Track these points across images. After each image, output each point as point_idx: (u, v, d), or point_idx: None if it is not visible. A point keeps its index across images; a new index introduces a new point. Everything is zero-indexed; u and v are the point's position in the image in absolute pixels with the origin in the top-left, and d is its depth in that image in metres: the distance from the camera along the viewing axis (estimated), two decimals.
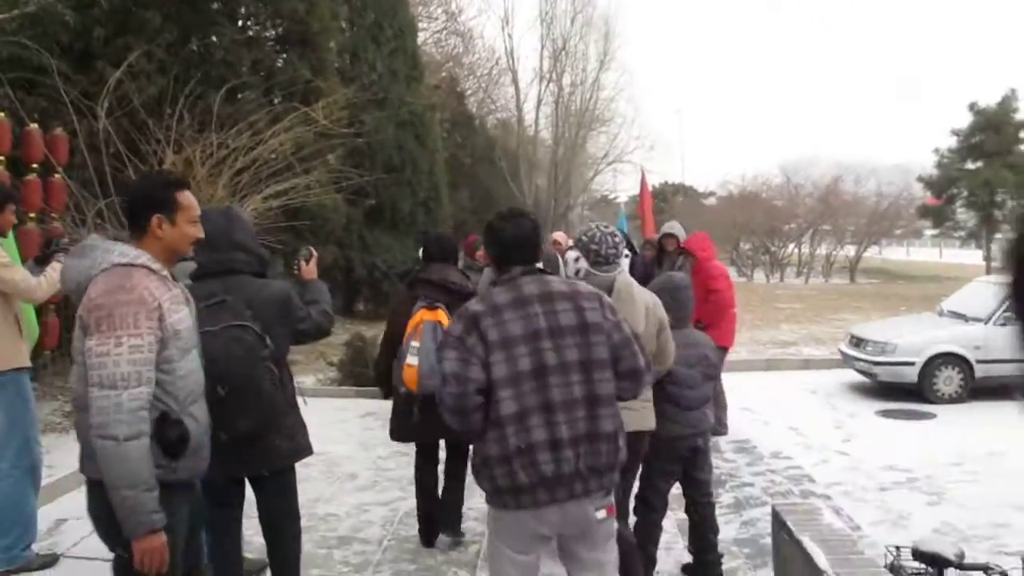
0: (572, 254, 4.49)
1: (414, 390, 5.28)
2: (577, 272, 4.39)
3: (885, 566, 4.10)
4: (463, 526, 5.93)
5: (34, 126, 7.22)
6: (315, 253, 4.72)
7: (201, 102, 9.74)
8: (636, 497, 5.07)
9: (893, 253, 44.68)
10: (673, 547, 5.69)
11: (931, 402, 11.03)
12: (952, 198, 32.51)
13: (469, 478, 4.21)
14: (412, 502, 6.53)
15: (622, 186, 46.83)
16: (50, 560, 5.44)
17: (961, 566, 3.51)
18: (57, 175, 7.38)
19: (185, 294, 3.24)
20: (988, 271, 24.02)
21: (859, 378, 12.21)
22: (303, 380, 11.40)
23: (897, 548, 4.18)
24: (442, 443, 5.85)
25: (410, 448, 7.46)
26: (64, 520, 6.19)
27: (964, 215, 33.53)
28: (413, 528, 6.07)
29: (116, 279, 2.93)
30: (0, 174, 6.40)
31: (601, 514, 3.29)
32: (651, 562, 5.03)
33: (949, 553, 3.62)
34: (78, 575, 5.31)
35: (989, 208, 31.12)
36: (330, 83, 12.86)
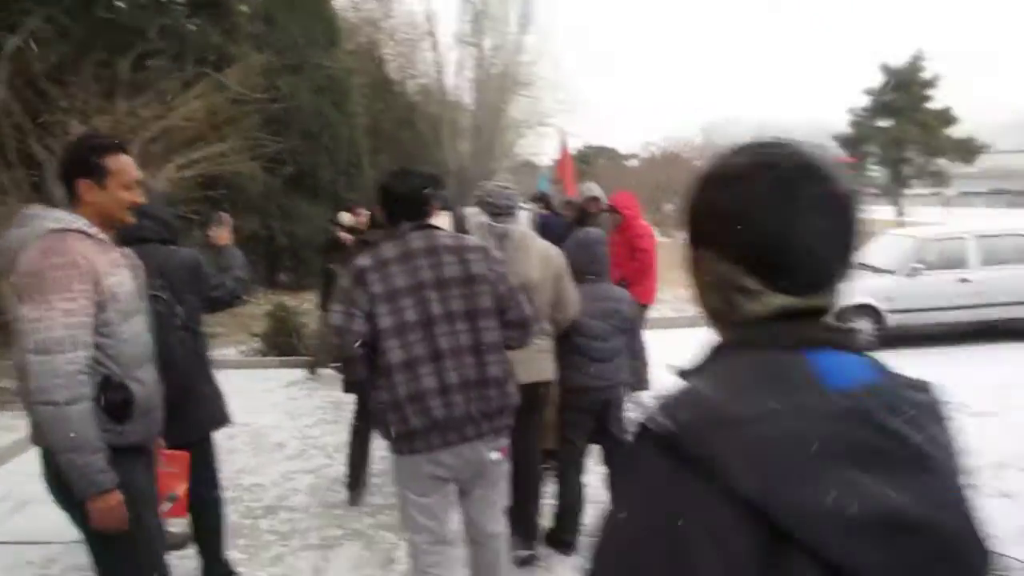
0: (472, 210, 4.60)
1: None
2: (479, 225, 4.52)
3: None
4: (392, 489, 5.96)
5: None
6: (228, 219, 4.63)
7: (108, 70, 9.43)
8: (556, 451, 5.13)
9: None
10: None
11: None
12: (865, 155, 33.35)
13: None
14: (339, 468, 6.55)
15: (545, 149, 46.81)
16: None
17: None
18: None
19: (130, 259, 3.18)
20: (900, 225, 24.69)
21: None
22: (226, 352, 11.25)
23: None
24: None
25: (339, 415, 7.46)
26: None
27: (876, 172, 34.46)
28: (340, 494, 6.08)
29: (49, 244, 2.86)
30: None
31: (495, 455, 3.46)
32: (571, 513, 5.09)
33: None
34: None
35: (898, 164, 32.03)
36: (243, 49, 12.57)
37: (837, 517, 0.99)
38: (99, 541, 2.97)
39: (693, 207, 1.33)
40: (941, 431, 1.19)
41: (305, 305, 12.98)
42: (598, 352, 4.96)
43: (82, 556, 3.15)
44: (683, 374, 1.23)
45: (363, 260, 3.41)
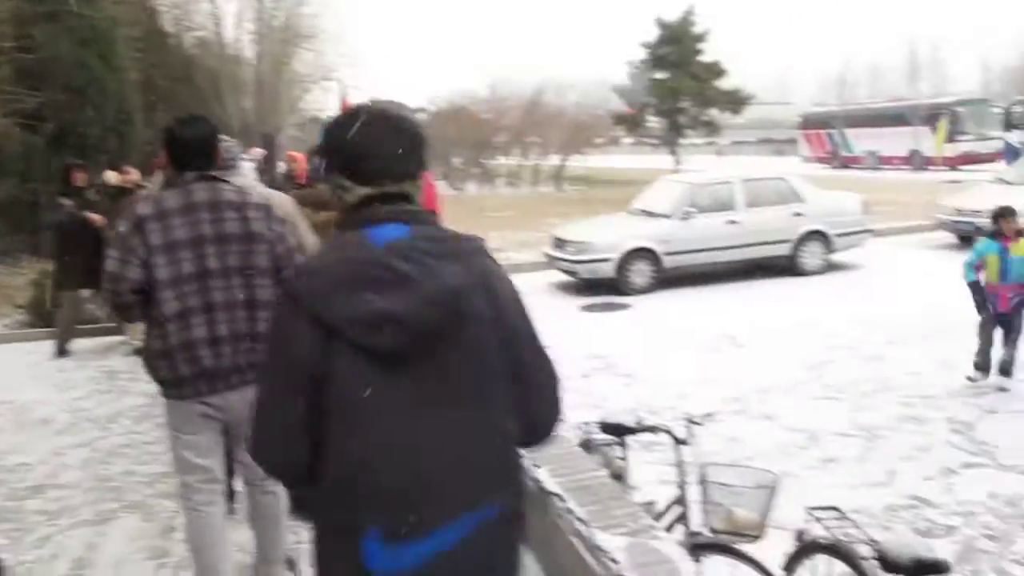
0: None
1: None
2: None
3: (579, 443, 4.40)
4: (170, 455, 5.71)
5: None
6: None
7: None
8: None
9: (596, 161, 47.17)
10: None
11: (627, 294, 11.90)
12: (644, 107, 34.72)
13: None
14: (113, 440, 6.23)
15: (332, 104, 45.80)
16: None
17: (635, 430, 3.83)
18: None
19: None
20: (676, 173, 25.94)
21: (564, 277, 12.90)
22: None
23: (587, 424, 4.48)
24: None
25: (113, 385, 7.09)
26: None
27: (655, 123, 35.99)
28: (115, 466, 5.78)
29: None
30: None
31: None
32: None
33: (629, 422, 3.92)
34: None
35: (674, 115, 33.58)
36: None
37: (357, 318, 1.86)
38: None
39: (323, 145, 2.13)
40: (440, 264, 1.91)
41: None
42: None
43: None
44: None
45: (144, 208, 3.37)
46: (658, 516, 3.83)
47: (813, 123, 43.78)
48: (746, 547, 3.37)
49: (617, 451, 4.27)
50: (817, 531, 3.25)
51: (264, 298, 3.40)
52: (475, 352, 1.95)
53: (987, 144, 32.96)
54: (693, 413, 6.38)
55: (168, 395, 3.49)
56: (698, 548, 3.48)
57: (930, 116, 31.24)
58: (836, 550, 3.16)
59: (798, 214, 12.79)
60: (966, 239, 14.82)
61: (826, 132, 41.83)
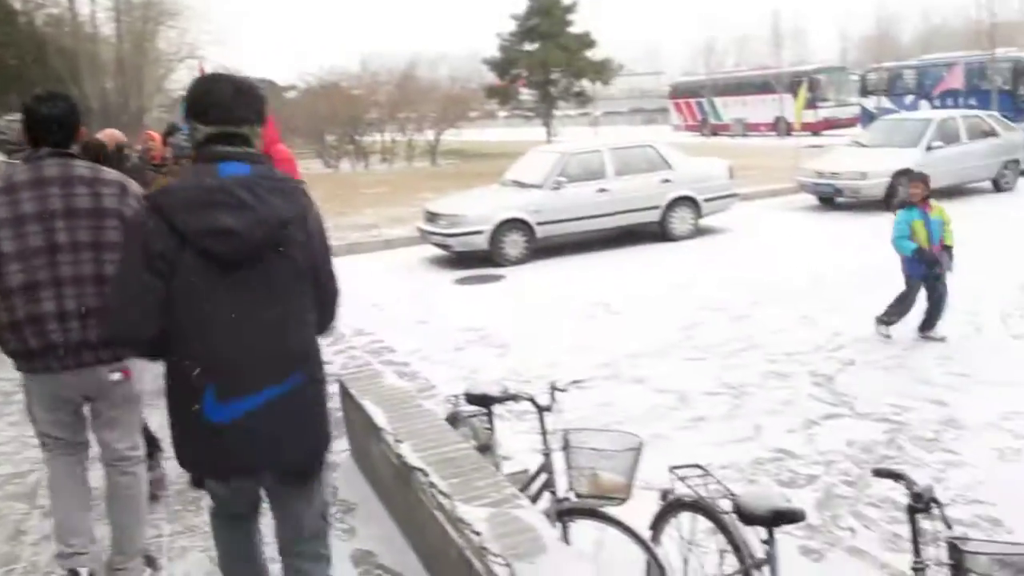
0: None
1: None
2: None
3: (447, 416, 4.33)
4: (22, 455, 5.39)
5: None
6: None
7: None
8: None
9: (471, 135, 47.06)
10: None
11: (500, 265, 11.87)
12: (515, 78, 34.74)
13: None
14: None
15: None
16: None
17: (500, 399, 3.78)
18: None
19: None
20: (549, 144, 26.07)
21: (437, 251, 12.78)
22: None
23: (455, 396, 4.41)
24: None
25: None
26: None
27: (527, 95, 36.07)
28: None
29: None
30: None
31: (116, 376, 3.51)
32: None
33: (494, 391, 3.86)
34: None
35: (546, 86, 33.73)
36: None
37: (205, 230, 2.48)
38: None
39: (184, 100, 2.80)
40: (271, 197, 2.59)
41: None
42: None
43: None
44: None
45: None
46: (526, 485, 3.79)
47: (683, 92, 44.64)
48: (613, 510, 3.36)
49: (484, 421, 4.20)
50: (681, 489, 3.26)
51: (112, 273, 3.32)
52: (289, 265, 2.66)
53: (846, 110, 34.39)
54: (563, 380, 6.42)
55: (20, 368, 3.49)
56: (565, 514, 3.46)
57: (792, 84, 32.23)
58: (698, 506, 3.18)
59: (666, 180, 12.98)
60: (826, 200, 15.42)
61: (695, 101, 42.72)
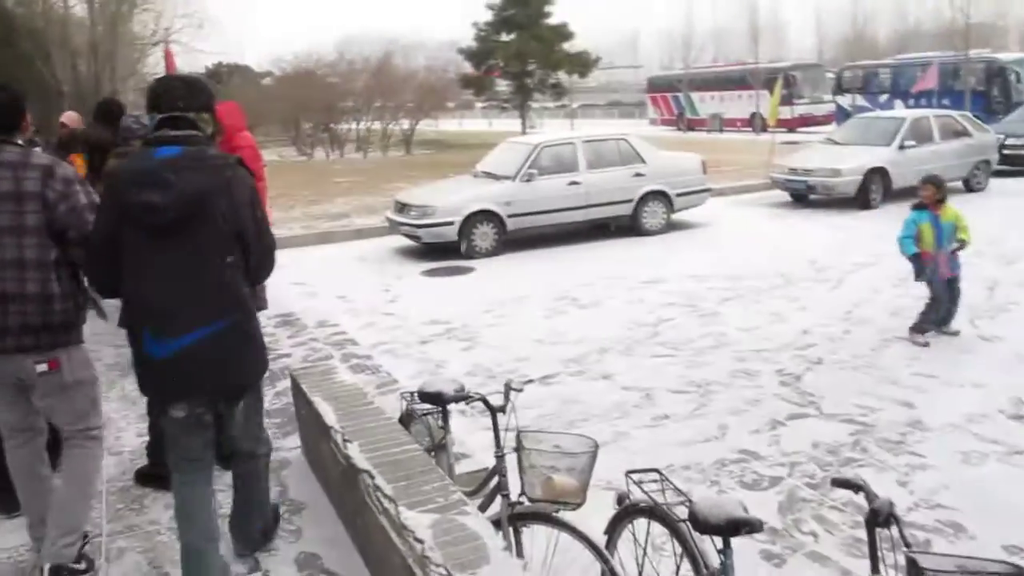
0: None
1: None
2: None
3: (402, 413, 4.20)
4: None
5: None
6: None
7: None
8: None
9: (448, 125, 46.79)
10: None
11: (470, 257, 11.72)
12: (491, 68, 34.51)
13: None
14: None
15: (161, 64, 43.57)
16: None
17: (455, 399, 3.65)
18: None
19: None
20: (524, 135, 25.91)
21: (407, 242, 12.62)
22: None
23: (411, 393, 4.27)
24: None
25: None
26: None
27: (503, 85, 35.85)
28: None
29: None
30: None
31: (41, 367, 3.49)
32: None
33: (449, 390, 3.73)
34: None
35: (522, 77, 33.52)
36: None
37: (137, 204, 3.07)
38: None
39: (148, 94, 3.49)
40: (195, 175, 3.10)
41: None
42: None
43: None
44: None
45: None
46: (478, 487, 3.67)
47: (660, 86, 44.65)
48: (567, 515, 3.24)
49: (439, 420, 4.06)
50: (637, 494, 3.15)
51: (33, 257, 3.41)
52: (212, 230, 3.15)
53: (822, 107, 34.49)
54: (530, 375, 6.31)
55: None
56: (518, 518, 3.34)
57: (768, 80, 32.25)
58: (654, 513, 3.07)
59: (639, 175, 12.87)
60: (799, 198, 15.39)
61: (672, 95, 42.73)
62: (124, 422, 5.69)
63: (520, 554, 3.26)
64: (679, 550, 3.01)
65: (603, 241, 12.60)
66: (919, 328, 7.16)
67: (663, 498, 3.06)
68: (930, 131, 15.23)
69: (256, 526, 3.86)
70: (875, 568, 2.39)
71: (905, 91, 29.47)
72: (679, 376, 6.65)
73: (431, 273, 11.14)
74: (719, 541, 2.74)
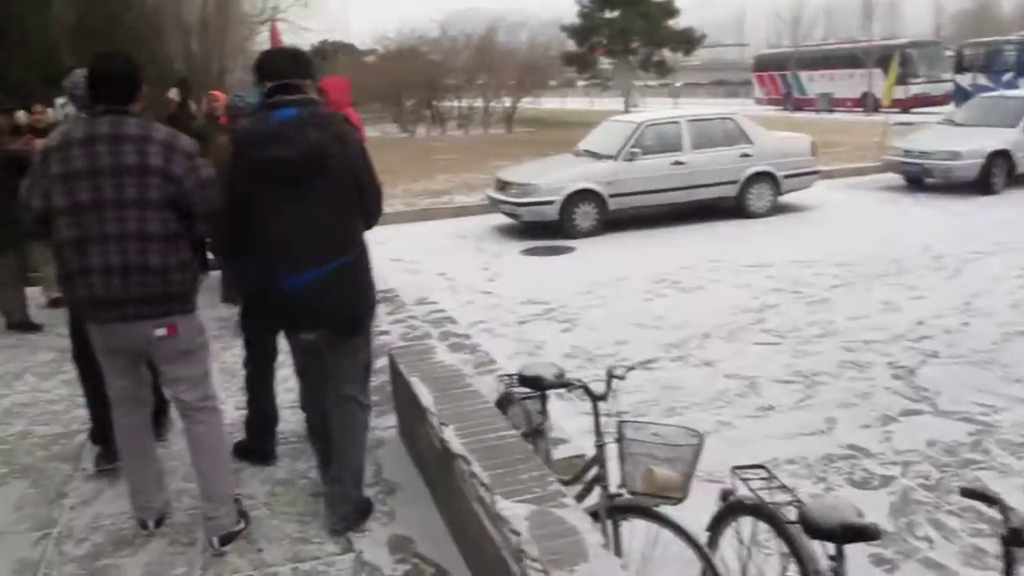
0: (60, 100, 4.52)
1: None
2: (66, 116, 4.65)
3: (499, 396, 4.13)
4: (71, 415, 5.34)
5: None
6: None
7: None
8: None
9: (550, 104, 46.56)
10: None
11: (570, 237, 11.60)
12: (594, 46, 34.11)
13: None
14: (15, 398, 5.84)
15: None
16: None
17: (555, 385, 3.55)
18: None
19: None
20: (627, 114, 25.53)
21: (507, 220, 12.57)
22: None
23: (509, 376, 4.20)
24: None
25: (24, 340, 6.74)
26: None
27: (606, 63, 35.42)
28: (13, 427, 5.37)
29: None
30: None
31: (160, 332, 3.55)
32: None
33: (549, 375, 3.63)
34: None
35: (625, 55, 33.01)
36: None
37: (266, 159, 3.49)
38: None
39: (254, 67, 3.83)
40: (312, 130, 3.49)
41: None
42: None
43: None
44: None
45: (52, 139, 3.53)
46: (576, 476, 3.57)
47: (766, 65, 43.52)
48: (668, 510, 3.11)
49: (537, 405, 3.97)
50: (743, 491, 3.00)
51: (156, 231, 3.45)
52: (332, 179, 3.57)
53: (939, 87, 33.03)
54: (629, 360, 6.18)
55: (82, 317, 3.67)
56: (616, 511, 3.23)
57: (882, 58, 31.03)
58: (761, 512, 2.92)
59: (745, 155, 12.52)
60: (914, 181, 14.75)
61: (779, 74, 41.61)
62: (224, 394, 5.77)
63: (619, 549, 3.15)
64: (785, 550, 2.86)
65: (706, 223, 12.30)
66: None
67: (770, 496, 2.91)
68: None
69: (351, 495, 3.91)
70: None
71: None
72: (784, 365, 6.42)
73: (531, 252, 11.06)
74: (831, 547, 2.59)
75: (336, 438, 3.90)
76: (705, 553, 3.01)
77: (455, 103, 38.02)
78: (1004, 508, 2.20)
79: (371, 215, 3.82)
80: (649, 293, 8.68)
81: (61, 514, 4.15)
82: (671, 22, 33.50)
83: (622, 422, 3.26)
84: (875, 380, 6.02)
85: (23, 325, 7.43)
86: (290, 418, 4.91)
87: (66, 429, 5.27)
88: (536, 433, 3.91)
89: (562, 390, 3.57)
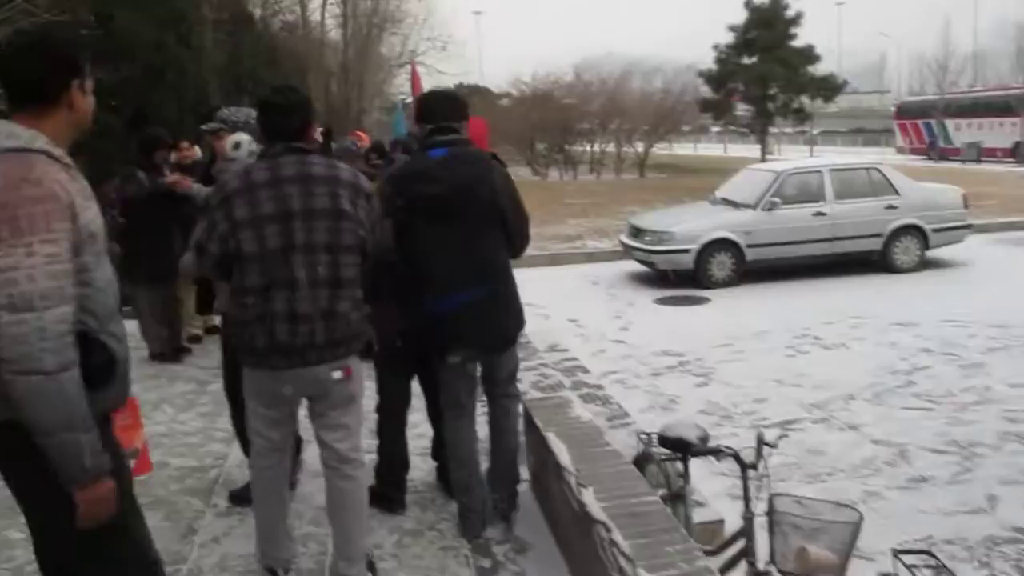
0: (241, 137, 4.61)
1: None
2: (250, 154, 4.43)
3: (637, 454, 3.99)
4: (206, 448, 5.45)
5: None
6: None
7: None
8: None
9: (683, 149, 46.20)
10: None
11: (706, 287, 11.33)
12: (731, 92, 33.67)
13: None
14: (152, 428, 6.00)
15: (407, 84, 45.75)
16: None
17: (698, 451, 3.38)
18: None
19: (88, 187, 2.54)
20: (763, 162, 25.03)
21: (640, 267, 12.40)
22: None
23: (648, 435, 4.05)
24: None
25: (164, 370, 6.85)
26: None
27: (742, 110, 34.88)
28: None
29: (15, 169, 2.22)
30: None
31: (337, 374, 3.44)
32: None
33: (693, 437, 3.48)
34: None
35: (763, 102, 32.46)
36: None
37: (420, 196, 3.93)
38: (86, 538, 2.40)
39: (415, 109, 5.14)
40: (462, 168, 3.95)
41: None
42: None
43: None
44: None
45: (233, 182, 3.39)
46: (720, 548, 3.39)
47: (910, 112, 42.14)
48: None
49: (678, 468, 3.80)
50: None
51: (347, 276, 3.39)
52: (479, 212, 3.96)
53: None
54: (769, 419, 5.91)
55: (244, 362, 3.52)
56: None
57: None
58: None
59: (892, 207, 12.00)
60: None
61: (923, 122, 40.22)
62: None
63: None
64: None
65: (849, 277, 11.80)
66: None
67: None
68: None
69: (515, 473, 4.43)
70: None
71: None
72: (938, 433, 6.02)
73: (664, 301, 10.85)
74: None
75: (492, 441, 4.41)
76: None
77: (587, 147, 38.14)
78: None
79: (517, 245, 4.17)
80: (789, 349, 8.36)
81: (191, 551, 4.18)
82: (811, 68, 32.77)
83: (774, 495, 3.07)
84: None
85: (164, 356, 7.68)
86: (420, 465, 4.88)
87: (200, 463, 5.36)
88: (676, 497, 3.75)
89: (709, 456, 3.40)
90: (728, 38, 33.66)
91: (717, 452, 3.26)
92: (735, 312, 10.04)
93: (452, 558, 3.94)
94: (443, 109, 4.13)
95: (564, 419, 4.21)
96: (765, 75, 31.60)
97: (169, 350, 7.74)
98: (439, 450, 4.80)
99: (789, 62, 31.61)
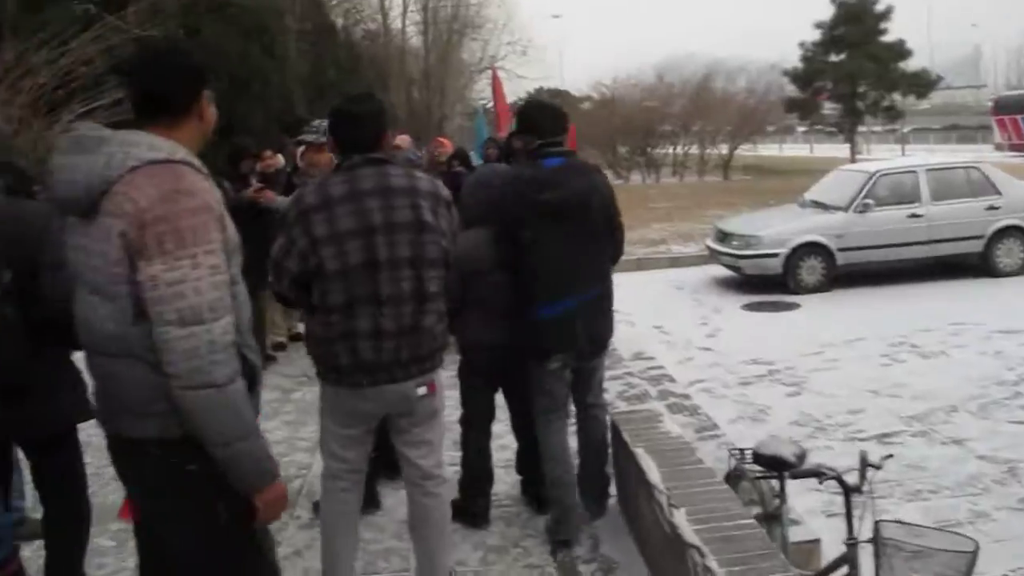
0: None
1: None
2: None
3: (729, 471, 3.83)
4: (290, 458, 5.45)
5: None
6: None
7: None
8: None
9: (767, 150, 45.37)
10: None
11: (795, 292, 11.02)
12: (818, 91, 32.84)
13: None
14: None
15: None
16: None
17: (796, 472, 3.21)
18: None
19: None
20: (853, 162, 24.32)
21: (726, 272, 12.14)
22: None
23: (741, 451, 3.88)
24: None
25: None
26: None
27: (830, 108, 34.01)
28: None
29: (166, 181, 2.22)
30: None
31: (422, 391, 3.35)
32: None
33: (789, 455, 3.31)
34: None
35: (852, 100, 31.57)
36: None
37: (542, 202, 4.06)
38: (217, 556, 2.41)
39: (519, 119, 5.08)
40: (577, 177, 4.20)
41: None
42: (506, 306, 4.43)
43: None
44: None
45: (310, 197, 3.24)
46: (821, 573, 3.21)
47: (1009, 107, 40.52)
48: None
49: (774, 486, 3.62)
50: None
51: (432, 290, 3.29)
52: (594, 219, 4.17)
53: None
54: (865, 431, 5.67)
55: (324, 379, 3.42)
56: None
57: None
58: None
59: (993, 207, 11.49)
60: None
61: (1023, 117, 38.65)
62: None
63: None
64: None
65: (946, 281, 11.33)
66: None
67: None
68: None
69: (602, 478, 4.55)
70: None
71: None
72: None
73: (752, 307, 10.58)
74: None
75: (583, 448, 4.55)
76: None
77: (669, 150, 37.72)
78: None
79: (617, 253, 4.47)
80: (885, 357, 8.03)
81: None
82: (902, 64, 31.77)
83: (880, 522, 2.89)
84: None
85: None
86: (504, 478, 4.79)
87: (284, 473, 5.26)
88: (771, 517, 3.58)
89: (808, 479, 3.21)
90: (814, 35, 32.82)
91: (818, 474, 3.07)
92: (826, 319, 9.72)
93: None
94: (551, 125, 4.32)
95: (654, 434, 4.07)
96: (854, 72, 30.70)
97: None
98: (524, 463, 4.72)
99: (879, 58, 30.65)
